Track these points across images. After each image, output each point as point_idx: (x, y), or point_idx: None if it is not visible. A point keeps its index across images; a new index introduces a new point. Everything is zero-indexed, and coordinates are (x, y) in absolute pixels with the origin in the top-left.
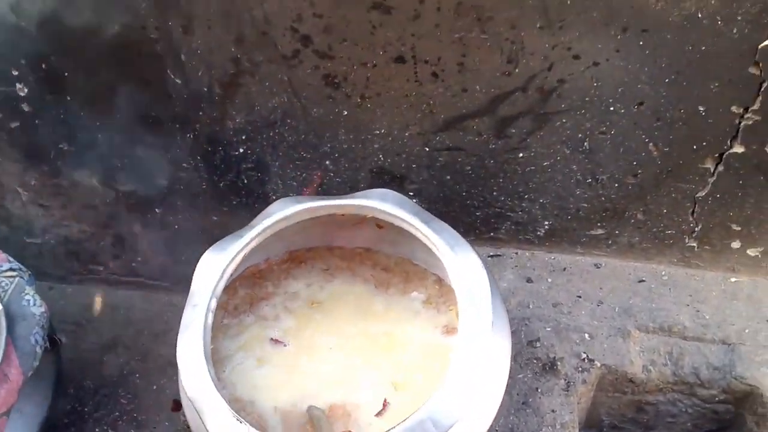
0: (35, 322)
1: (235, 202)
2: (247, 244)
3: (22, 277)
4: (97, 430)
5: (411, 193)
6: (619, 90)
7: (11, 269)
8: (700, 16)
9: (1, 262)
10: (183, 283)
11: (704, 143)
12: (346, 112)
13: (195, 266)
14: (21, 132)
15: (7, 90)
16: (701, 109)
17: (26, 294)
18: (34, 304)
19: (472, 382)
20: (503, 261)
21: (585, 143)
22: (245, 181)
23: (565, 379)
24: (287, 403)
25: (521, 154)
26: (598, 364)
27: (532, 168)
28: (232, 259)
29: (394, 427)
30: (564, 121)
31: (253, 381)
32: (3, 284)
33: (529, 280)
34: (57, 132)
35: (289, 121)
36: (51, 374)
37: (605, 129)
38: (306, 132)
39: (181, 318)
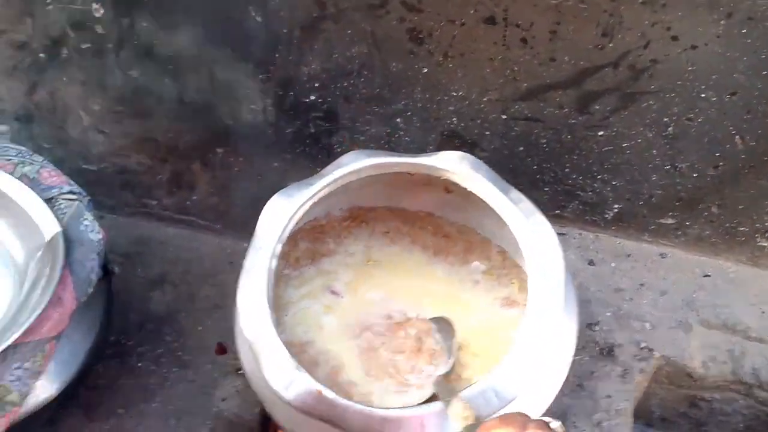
0: (92, 248)
1: (298, 151)
2: (317, 192)
3: (81, 201)
4: (140, 364)
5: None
6: (713, 77)
7: (71, 192)
8: None
9: (61, 183)
10: (234, 228)
11: None
12: (425, 70)
13: (250, 212)
14: (91, 54)
15: (83, 9)
16: None
17: (85, 219)
18: (92, 230)
19: (539, 357)
20: (566, 240)
21: (669, 128)
22: (312, 130)
23: (623, 366)
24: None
25: (601, 133)
26: (657, 355)
27: (610, 148)
28: (300, 206)
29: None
30: (651, 103)
31: (313, 327)
32: (62, 206)
33: (591, 263)
34: (128, 58)
35: (365, 72)
36: (102, 304)
37: (692, 116)
38: (381, 86)
39: (231, 262)
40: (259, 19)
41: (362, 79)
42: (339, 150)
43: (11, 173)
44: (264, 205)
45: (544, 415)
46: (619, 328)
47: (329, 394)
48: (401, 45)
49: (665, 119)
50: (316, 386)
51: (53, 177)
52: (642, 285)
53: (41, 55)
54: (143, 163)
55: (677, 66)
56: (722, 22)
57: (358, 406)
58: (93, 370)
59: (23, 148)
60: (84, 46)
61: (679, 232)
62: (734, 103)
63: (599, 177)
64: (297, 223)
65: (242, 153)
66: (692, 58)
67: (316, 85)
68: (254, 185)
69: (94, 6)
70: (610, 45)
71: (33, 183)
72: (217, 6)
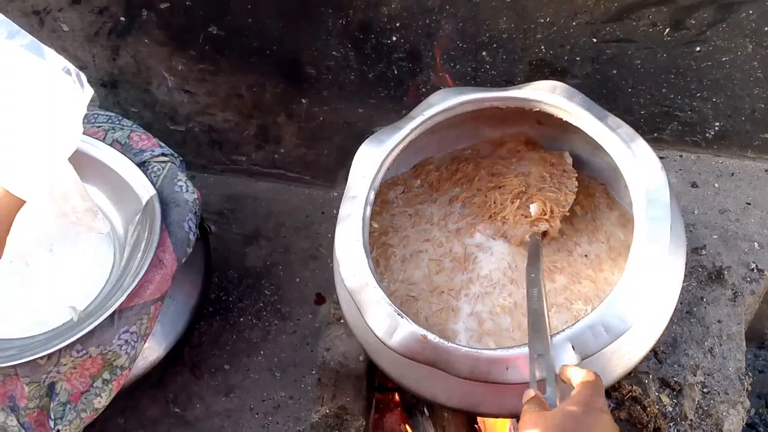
0: (188, 209)
1: (382, 95)
2: (407, 135)
3: (174, 163)
4: (241, 319)
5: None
6: None
7: (163, 154)
8: None
9: (153, 146)
10: (323, 177)
11: None
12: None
13: (337, 160)
14: (170, 13)
15: None
16: None
17: (179, 180)
18: (187, 191)
19: (648, 288)
20: (667, 164)
21: None
22: (395, 72)
23: (733, 289)
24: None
25: (698, 48)
26: None
27: (709, 63)
28: (391, 151)
29: (564, 329)
30: (751, 12)
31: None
32: (156, 169)
33: (694, 185)
34: (206, 14)
35: (447, 7)
36: (201, 262)
37: None
38: (465, 19)
39: (323, 212)
40: None
41: (444, 14)
42: (424, 90)
43: (102, 140)
44: (352, 152)
45: (656, 346)
46: (727, 250)
47: (434, 338)
48: None
49: (766, 28)
50: (421, 331)
51: (144, 140)
52: (749, 204)
53: (121, 18)
54: (230, 120)
55: None
56: None
57: (464, 349)
58: (196, 328)
59: (112, 113)
60: (162, 5)
61: None
62: None
63: (698, 95)
64: (390, 167)
65: (326, 101)
66: None
67: (397, 24)
68: (341, 133)
69: None
70: None
71: (125, 148)
72: None
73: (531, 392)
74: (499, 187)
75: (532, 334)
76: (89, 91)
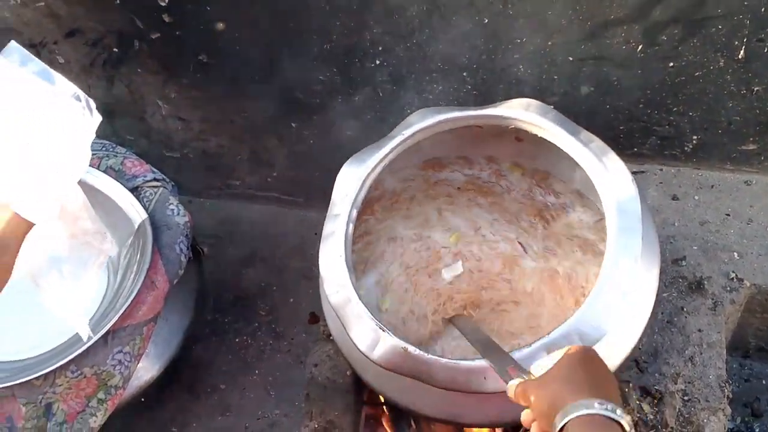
0: (180, 231)
1: (369, 116)
2: (387, 154)
3: (165, 188)
4: (237, 339)
5: (551, 106)
6: None
7: (155, 179)
8: None
9: (144, 172)
10: (316, 199)
11: None
12: (486, 20)
13: (328, 182)
14: (161, 43)
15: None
16: None
17: (170, 204)
18: (178, 214)
19: (621, 296)
20: (647, 178)
21: (740, 51)
22: (380, 94)
23: (713, 299)
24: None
25: (672, 64)
26: (748, 284)
27: (683, 78)
28: (372, 169)
29: (540, 338)
30: (720, 27)
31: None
32: (148, 194)
33: (674, 198)
34: (196, 43)
35: (427, 31)
36: (194, 284)
37: (763, 36)
38: (444, 42)
39: (316, 233)
40: None
41: (424, 38)
42: (410, 111)
43: (97, 167)
44: None
45: (633, 355)
46: (707, 260)
47: (414, 350)
48: None
49: (735, 42)
50: (401, 344)
51: (137, 166)
52: (727, 215)
53: (115, 49)
54: (223, 145)
55: None
56: None
57: (443, 360)
58: (193, 348)
59: (107, 141)
60: (154, 36)
61: (763, 157)
62: None
63: (674, 109)
64: (371, 186)
65: (315, 124)
66: None
67: (380, 48)
68: (331, 155)
69: None
70: None
71: (118, 174)
72: None
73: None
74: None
75: (492, 355)
76: (98, 117)
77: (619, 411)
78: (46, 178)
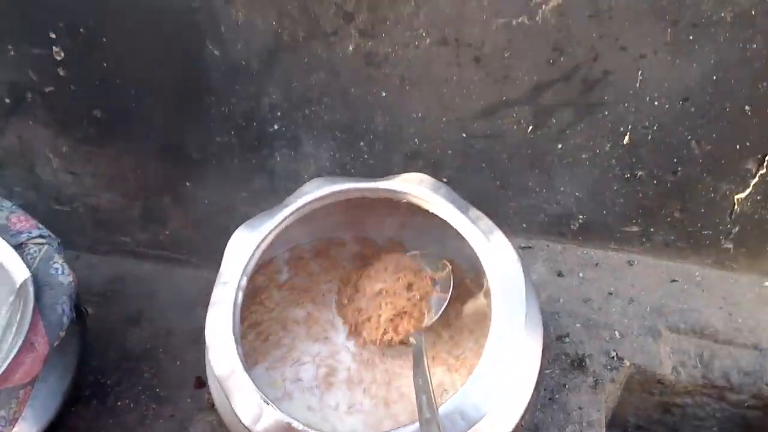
0: (63, 291)
1: (266, 180)
2: (280, 222)
3: (51, 245)
4: (119, 403)
5: (444, 180)
6: (665, 85)
7: (41, 236)
8: (753, 13)
9: (30, 228)
10: (209, 259)
11: (747, 143)
12: (384, 94)
13: (222, 243)
14: (55, 97)
15: (44, 53)
16: (747, 108)
17: (55, 262)
18: (62, 273)
19: (503, 376)
20: (534, 253)
21: (626, 137)
22: (278, 159)
23: (594, 377)
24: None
25: (560, 146)
26: (628, 363)
27: (570, 160)
28: (264, 237)
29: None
30: (606, 113)
31: None
32: (32, 251)
33: (560, 274)
34: (91, 98)
35: (326, 99)
36: (76, 345)
37: (648, 124)
38: (342, 111)
39: (208, 294)
40: (216, 53)
41: (323, 106)
42: (307, 177)
43: None
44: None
45: (516, 430)
46: (589, 338)
47: (299, 426)
48: (359, 70)
49: (621, 128)
50: (286, 419)
51: (22, 222)
52: (610, 294)
53: (6, 100)
54: (115, 201)
55: (628, 76)
56: (668, 30)
57: None
58: (71, 411)
59: None
60: (47, 89)
61: (644, 239)
62: (687, 109)
63: (562, 189)
64: (262, 254)
65: (211, 185)
66: (642, 67)
67: (278, 114)
68: (226, 216)
69: (55, 49)
70: (561, 59)
71: (2, 229)
72: (174, 42)
73: None
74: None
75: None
76: None
77: None
78: None
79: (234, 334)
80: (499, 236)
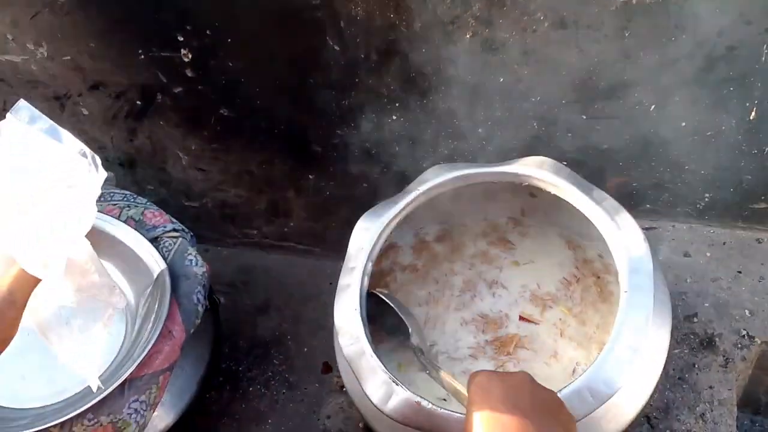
0: (197, 282)
1: (385, 170)
2: (402, 209)
3: (184, 238)
4: (250, 389)
5: (565, 163)
6: None
7: (174, 230)
8: None
9: (165, 222)
10: (332, 250)
11: None
12: (501, 79)
13: (344, 233)
14: (184, 97)
15: (173, 56)
16: None
17: (189, 254)
18: (197, 264)
19: (633, 354)
20: (659, 234)
21: (752, 113)
22: (396, 149)
23: (724, 356)
24: None
25: (683, 123)
26: (759, 341)
27: (695, 138)
28: (387, 223)
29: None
30: (731, 89)
31: None
32: (167, 244)
33: (686, 255)
34: (217, 97)
35: (443, 88)
36: (210, 334)
37: None
38: (460, 99)
39: (331, 283)
40: (337, 48)
41: (440, 95)
42: (425, 166)
43: (118, 217)
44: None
45: (645, 411)
46: (718, 317)
47: (427, 404)
48: (476, 57)
49: (747, 104)
50: (415, 398)
51: (157, 217)
52: (739, 272)
53: (138, 102)
54: (241, 196)
55: (753, 50)
56: None
57: (457, 414)
58: (206, 397)
59: (128, 192)
60: (176, 90)
61: None
62: None
63: (687, 167)
64: (386, 239)
65: (332, 177)
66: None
67: (397, 104)
68: (347, 207)
69: (183, 52)
70: (683, 36)
71: (138, 224)
72: (296, 39)
73: None
74: None
75: None
76: (103, 173)
77: None
78: (51, 234)
79: (362, 317)
80: (624, 216)
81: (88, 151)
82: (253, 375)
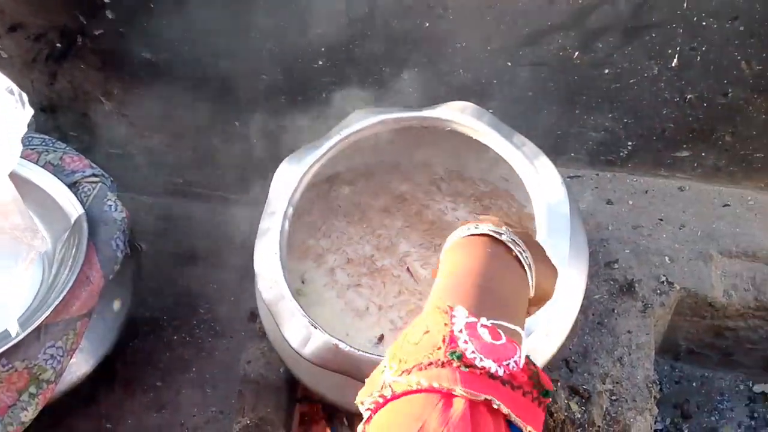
0: (116, 227)
1: (313, 116)
2: (324, 154)
3: (104, 183)
4: (175, 337)
5: (490, 110)
6: (713, 3)
7: (94, 175)
8: None
9: (84, 167)
10: (258, 197)
11: None
12: (427, 24)
13: (271, 179)
14: (104, 39)
15: None
16: None
17: (108, 199)
18: (116, 210)
19: None
20: (583, 182)
21: (674, 60)
22: (323, 95)
23: (643, 301)
24: None
25: (607, 71)
26: (678, 287)
27: (618, 85)
28: (309, 168)
29: None
30: (653, 35)
31: None
32: (86, 189)
33: (609, 202)
34: (140, 41)
35: (368, 33)
36: (130, 280)
37: (696, 45)
38: (386, 45)
39: (256, 230)
40: None
41: (366, 40)
42: (350, 111)
43: (35, 162)
44: None
45: (562, 354)
46: (638, 264)
47: (345, 347)
48: (400, 2)
49: (669, 51)
50: (333, 340)
51: (76, 162)
52: (661, 220)
53: (58, 45)
54: (166, 143)
55: None
56: None
57: (375, 357)
58: (130, 346)
59: (46, 137)
60: (97, 32)
61: (695, 164)
62: (736, 28)
63: (610, 116)
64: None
65: (258, 123)
66: None
67: (323, 50)
68: (273, 154)
69: None
70: None
71: (56, 169)
72: None
73: None
74: None
75: None
76: (30, 111)
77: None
78: None
79: (281, 261)
80: (543, 161)
81: (15, 88)
82: (177, 324)
